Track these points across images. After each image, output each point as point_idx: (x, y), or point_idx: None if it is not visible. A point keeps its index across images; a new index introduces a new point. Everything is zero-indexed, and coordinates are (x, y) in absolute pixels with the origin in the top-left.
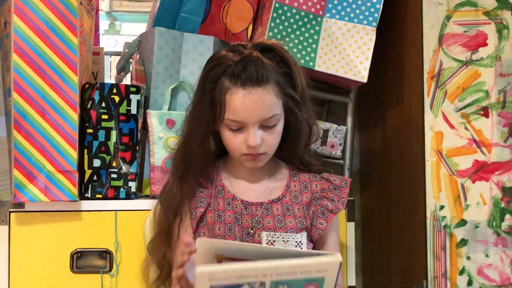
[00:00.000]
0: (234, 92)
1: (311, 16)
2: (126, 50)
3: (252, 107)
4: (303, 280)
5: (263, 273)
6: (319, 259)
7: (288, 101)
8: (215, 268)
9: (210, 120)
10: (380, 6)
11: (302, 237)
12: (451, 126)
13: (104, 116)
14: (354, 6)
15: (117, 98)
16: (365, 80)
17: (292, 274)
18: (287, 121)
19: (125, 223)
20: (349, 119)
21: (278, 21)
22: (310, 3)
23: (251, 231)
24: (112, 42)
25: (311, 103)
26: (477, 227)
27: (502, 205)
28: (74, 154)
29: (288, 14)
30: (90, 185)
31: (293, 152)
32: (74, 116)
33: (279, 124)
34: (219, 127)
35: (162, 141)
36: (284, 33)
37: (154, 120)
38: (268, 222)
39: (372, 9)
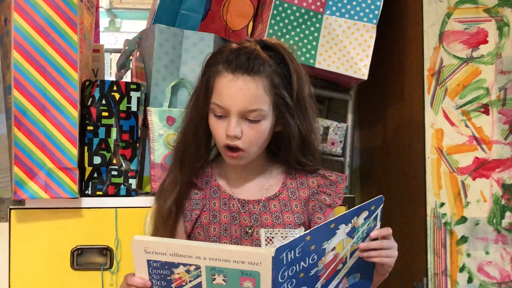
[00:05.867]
0: (223, 76)
1: (311, 14)
2: (126, 47)
3: (236, 94)
4: (238, 272)
5: (197, 255)
6: (250, 249)
7: (279, 103)
8: (150, 239)
9: (204, 105)
10: (380, 3)
11: (301, 232)
12: (452, 124)
13: (105, 113)
14: (354, 3)
15: (117, 95)
16: (365, 77)
17: (226, 262)
18: (278, 124)
19: (126, 220)
20: (350, 117)
21: (278, 18)
22: (310, 0)
23: (249, 231)
24: (112, 39)
25: (314, 113)
26: (478, 224)
27: (503, 202)
28: (74, 151)
29: (289, 11)
30: (90, 182)
31: (286, 157)
32: (75, 113)
33: (264, 122)
34: (209, 115)
35: (163, 138)
36: (284, 31)
37: (155, 117)
38: (266, 219)
39: (373, 6)
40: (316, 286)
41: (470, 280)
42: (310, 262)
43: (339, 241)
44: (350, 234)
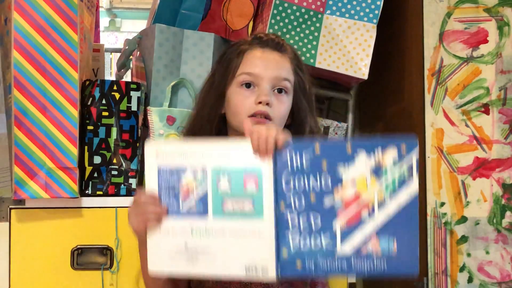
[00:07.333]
0: (254, 50)
1: (311, 13)
2: (127, 47)
3: (269, 62)
4: (241, 171)
5: (203, 153)
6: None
7: (300, 84)
8: (162, 144)
9: (222, 83)
10: (380, 3)
11: None
12: (452, 123)
13: (105, 113)
14: (354, 2)
15: (117, 95)
16: (365, 77)
17: (229, 159)
18: (292, 110)
19: (126, 220)
20: (350, 116)
21: (278, 18)
22: (310, 0)
23: None
24: (112, 39)
25: (317, 111)
26: (478, 224)
27: (503, 202)
28: (74, 151)
29: (289, 11)
30: (90, 182)
31: None
32: (75, 113)
33: (288, 98)
34: (230, 92)
35: (163, 138)
36: (284, 30)
37: (155, 117)
38: None
39: (373, 6)
40: (333, 224)
41: (470, 280)
42: (323, 183)
43: (361, 174)
44: (376, 172)
